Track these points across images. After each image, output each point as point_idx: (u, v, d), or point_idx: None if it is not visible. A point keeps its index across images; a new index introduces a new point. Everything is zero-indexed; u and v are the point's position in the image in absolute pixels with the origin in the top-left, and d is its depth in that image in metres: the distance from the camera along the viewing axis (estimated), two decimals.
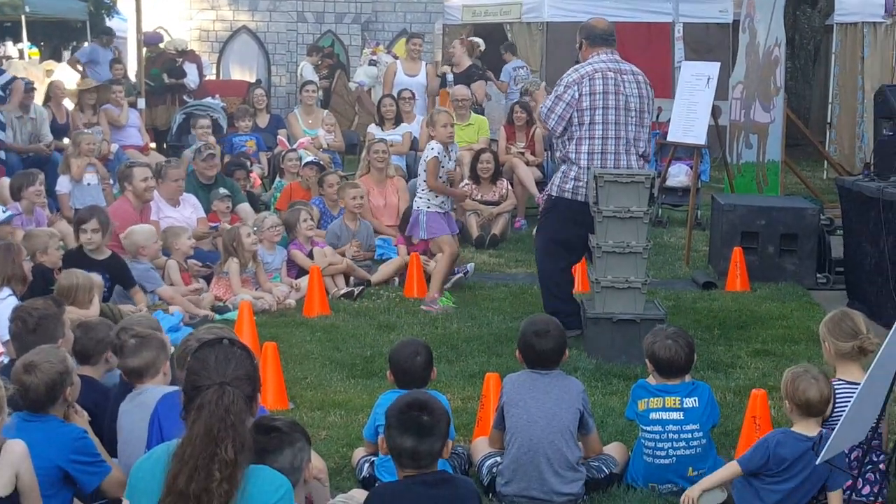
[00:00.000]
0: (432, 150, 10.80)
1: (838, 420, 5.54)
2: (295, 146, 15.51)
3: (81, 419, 5.80)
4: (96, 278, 9.12)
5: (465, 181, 14.44)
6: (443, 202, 10.93)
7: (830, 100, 20.25)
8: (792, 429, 5.98)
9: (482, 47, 18.65)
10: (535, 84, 17.10)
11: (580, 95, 9.48)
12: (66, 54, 32.62)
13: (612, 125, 9.50)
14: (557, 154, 10.00)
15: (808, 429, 5.92)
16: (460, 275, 11.57)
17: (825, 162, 18.82)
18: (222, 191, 12.79)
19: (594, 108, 9.48)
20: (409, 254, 11.79)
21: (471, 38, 18.93)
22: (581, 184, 9.53)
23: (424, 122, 11.80)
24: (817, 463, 5.54)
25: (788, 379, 6.01)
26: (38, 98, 16.06)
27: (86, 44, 23.00)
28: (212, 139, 14.90)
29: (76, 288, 8.41)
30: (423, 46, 19.28)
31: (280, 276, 11.41)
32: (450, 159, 10.96)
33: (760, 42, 15.05)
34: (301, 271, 11.45)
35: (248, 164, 15.17)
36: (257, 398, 4.43)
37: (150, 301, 10.21)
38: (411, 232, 11.27)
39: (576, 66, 9.73)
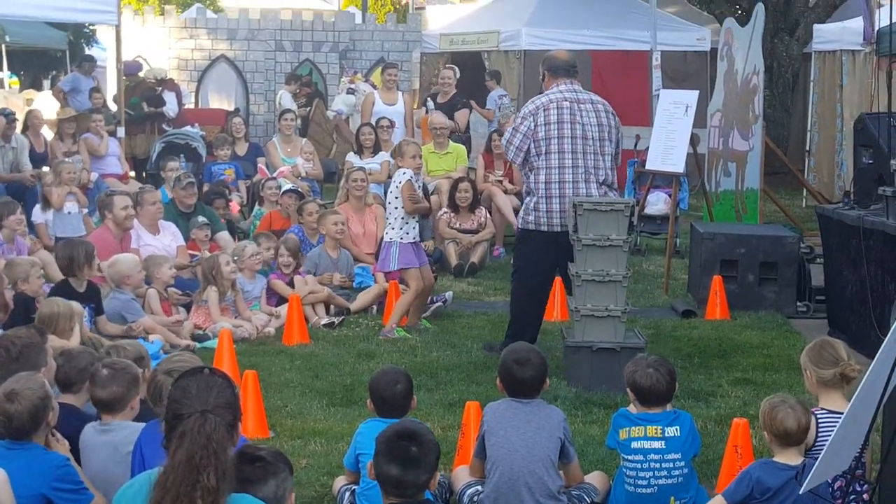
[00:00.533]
0: (404, 174, 10.80)
1: (821, 449, 5.53)
2: (275, 175, 15.50)
3: (63, 447, 5.80)
4: (76, 307, 9.09)
5: (444, 209, 14.46)
6: (415, 234, 10.89)
7: (809, 128, 20.32)
8: (773, 459, 5.98)
9: (457, 75, 18.70)
10: (507, 115, 17.17)
11: (535, 126, 9.67)
12: (46, 83, 32.67)
13: (570, 154, 9.65)
14: (525, 186, 10.11)
15: (789, 458, 5.92)
16: (439, 303, 11.57)
17: (804, 190, 18.89)
18: (201, 219, 12.78)
19: (549, 137, 9.65)
20: (387, 281, 11.77)
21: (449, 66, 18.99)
22: (541, 213, 9.70)
23: (392, 151, 11.76)
24: (801, 492, 5.52)
25: (766, 409, 6.00)
26: (18, 127, 16.02)
27: (67, 73, 23.03)
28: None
29: (57, 316, 8.38)
30: (401, 75, 19.33)
31: (259, 305, 11.39)
32: (418, 188, 10.97)
33: (738, 70, 15.12)
34: (281, 299, 11.44)
35: (228, 192, 15.16)
36: (238, 426, 4.43)
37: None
38: (382, 265, 11.17)
39: (532, 98, 9.96)
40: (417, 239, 11.00)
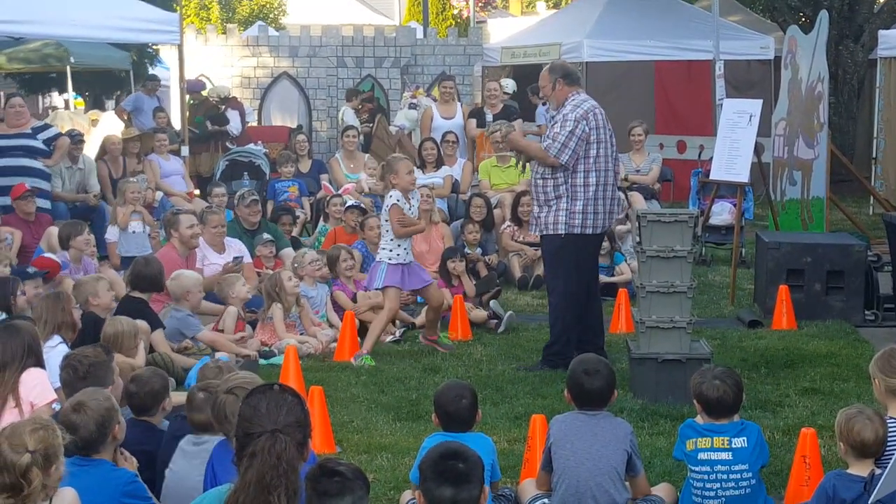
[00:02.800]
0: (391, 197, 10.68)
1: (890, 458, 5.48)
2: (339, 192, 15.56)
3: (130, 464, 5.86)
4: (142, 325, 9.19)
5: (507, 223, 14.46)
6: (406, 256, 10.71)
7: (875, 134, 20.14)
8: (847, 470, 5.92)
9: (505, 87, 18.71)
10: None
11: (589, 129, 9.87)
12: (110, 103, 32.99)
13: (611, 158, 10.00)
14: (549, 191, 10.01)
15: (863, 469, 5.86)
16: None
17: (871, 197, 18.70)
18: (266, 236, 12.86)
19: (599, 141, 9.90)
20: (452, 297, 11.78)
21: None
22: (588, 215, 9.87)
23: (380, 169, 11.66)
24: (869, 503, 5.48)
25: (842, 420, 5.95)
26: (88, 149, 16.18)
27: (131, 93, 23.24)
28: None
29: (122, 335, 8.47)
30: (462, 88, 19.31)
31: (326, 314, 11.46)
32: (409, 206, 10.77)
33: (803, 78, 15.00)
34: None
35: (295, 210, 15.25)
36: (308, 444, 4.45)
37: (196, 346, 10.29)
38: (368, 284, 11.17)
39: (575, 103, 9.99)
40: (408, 261, 10.74)
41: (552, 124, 10.13)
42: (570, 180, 9.88)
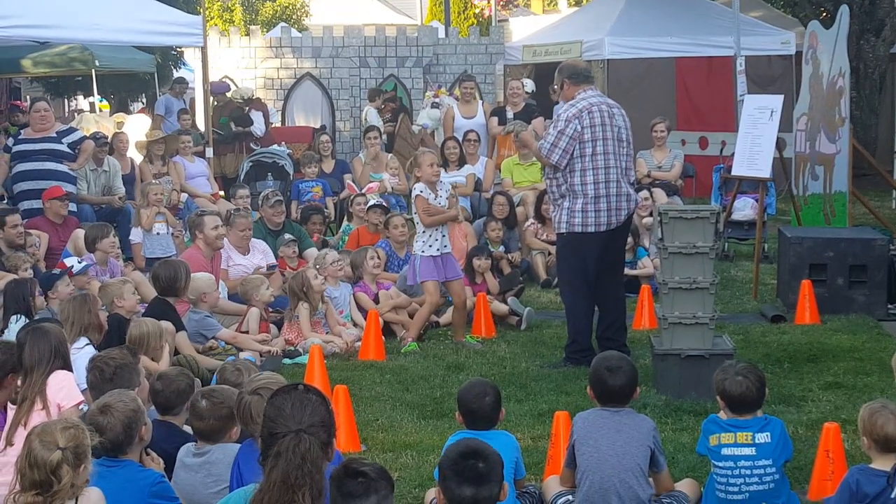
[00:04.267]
0: (415, 189, 10.98)
1: None
2: (364, 191, 15.62)
3: (157, 465, 5.92)
4: (167, 326, 9.25)
5: (531, 221, 14.49)
6: (440, 245, 10.96)
7: None
8: (871, 465, 5.94)
9: (527, 87, 18.74)
10: None
11: (581, 128, 9.87)
12: (136, 105, 33.14)
13: (613, 155, 9.95)
14: (555, 191, 10.13)
15: (886, 464, 5.86)
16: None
17: (893, 191, 18.68)
18: (288, 236, 12.94)
19: (595, 139, 9.89)
20: (475, 295, 11.83)
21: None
22: (590, 214, 9.89)
23: (408, 164, 11.79)
24: (892, 496, 5.50)
25: (865, 415, 5.96)
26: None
27: (156, 95, 23.36)
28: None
29: (147, 336, 8.53)
30: (484, 87, 19.28)
31: (350, 314, 11.52)
32: (437, 196, 11.01)
33: (824, 72, 14.99)
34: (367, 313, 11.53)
35: (325, 210, 15.33)
36: (333, 444, 4.48)
37: (220, 346, 10.36)
38: (410, 279, 11.43)
39: (571, 102, 10.08)
40: (444, 251, 11.02)
41: (550, 126, 10.26)
42: (569, 179, 9.95)
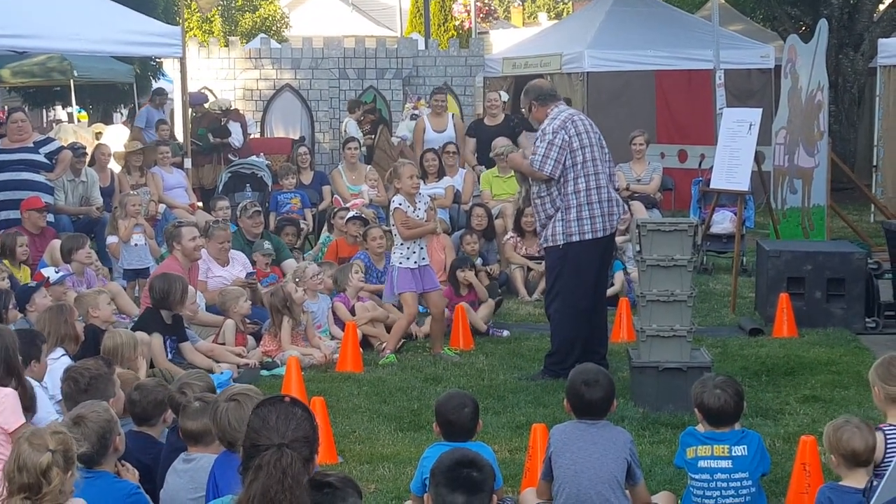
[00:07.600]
0: (394, 201, 11.00)
1: (888, 466, 5.49)
2: (348, 206, 15.51)
3: (132, 476, 5.88)
4: (141, 337, 9.22)
5: (510, 234, 14.48)
6: (417, 258, 10.98)
7: (875, 143, 20.17)
8: (841, 482, 5.93)
9: (503, 98, 18.72)
10: None
11: (569, 137, 9.98)
12: (117, 116, 33.08)
13: (599, 162, 10.07)
14: (548, 208, 10.12)
15: (857, 480, 5.86)
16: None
17: (872, 205, 18.74)
18: (266, 245, 12.91)
19: (583, 146, 10.02)
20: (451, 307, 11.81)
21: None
22: (585, 220, 9.95)
23: (387, 176, 11.82)
24: None
25: (830, 432, 5.97)
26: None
27: (135, 105, 23.32)
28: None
29: (121, 347, 8.47)
30: (463, 99, 19.25)
31: (328, 328, 11.49)
32: (415, 209, 11.02)
33: (803, 86, 15.04)
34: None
35: (299, 221, 15.28)
36: (315, 459, 4.44)
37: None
38: (387, 292, 11.45)
39: (551, 116, 10.17)
40: (422, 263, 11.03)
41: (534, 142, 10.26)
42: (562, 190, 9.97)
